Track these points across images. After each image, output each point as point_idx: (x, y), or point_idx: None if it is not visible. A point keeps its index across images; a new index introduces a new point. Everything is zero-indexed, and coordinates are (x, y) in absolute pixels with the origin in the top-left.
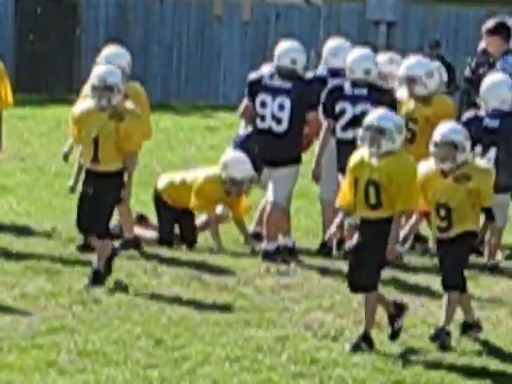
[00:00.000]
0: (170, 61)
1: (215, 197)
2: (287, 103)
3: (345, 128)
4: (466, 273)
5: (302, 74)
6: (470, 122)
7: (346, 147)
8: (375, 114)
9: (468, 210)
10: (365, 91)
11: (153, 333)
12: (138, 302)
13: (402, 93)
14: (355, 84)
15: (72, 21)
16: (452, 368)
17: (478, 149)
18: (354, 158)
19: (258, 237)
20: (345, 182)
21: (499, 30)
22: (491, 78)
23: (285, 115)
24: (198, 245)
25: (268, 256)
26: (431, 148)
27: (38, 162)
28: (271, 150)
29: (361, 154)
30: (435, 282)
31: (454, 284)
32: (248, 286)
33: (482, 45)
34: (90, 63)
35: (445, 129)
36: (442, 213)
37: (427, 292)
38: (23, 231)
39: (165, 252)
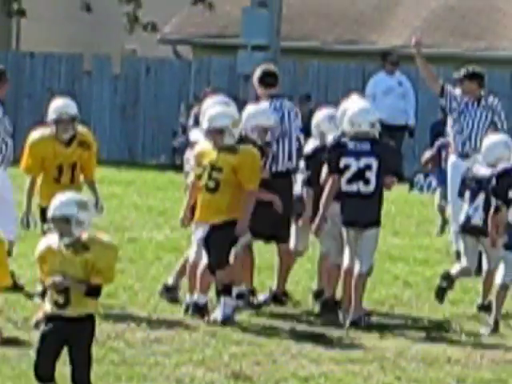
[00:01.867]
0: (41, 115)
1: (45, 153)
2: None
3: (349, 181)
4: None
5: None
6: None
7: (351, 200)
8: (57, 203)
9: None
10: (367, 146)
11: None
12: (10, 355)
13: (204, 144)
14: (357, 138)
15: None
16: None
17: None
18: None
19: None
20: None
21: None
22: (490, 138)
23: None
24: None
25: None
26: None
27: None
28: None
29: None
30: (305, 335)
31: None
32: (118, 340)
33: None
34: None
35: (57, 203)
36: (59, 287)
37: (298, 345)
38: None
39: (34, 304)
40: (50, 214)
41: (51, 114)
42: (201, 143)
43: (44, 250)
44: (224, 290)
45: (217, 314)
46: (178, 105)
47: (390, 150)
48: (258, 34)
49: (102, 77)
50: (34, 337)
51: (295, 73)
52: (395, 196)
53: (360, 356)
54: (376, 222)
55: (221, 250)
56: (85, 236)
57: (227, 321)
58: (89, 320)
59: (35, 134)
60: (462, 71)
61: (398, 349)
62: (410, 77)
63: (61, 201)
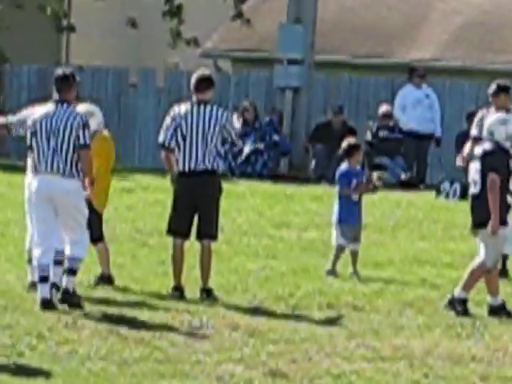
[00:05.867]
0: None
1: None
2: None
3: None
4: (368, 325)
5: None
6: None
7: None
8: None
9: None
10: None
11: None
12: (59, 354)
13: None
14: None
15: None
16: None
17: None
18: None
19: None
20: None
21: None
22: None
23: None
24: (116, 299)
25: None
26: None
27: None
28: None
29: None
30: (339, 334)
31: None
32: (162, 339)
33: (382, 109)
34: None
35: None
36: None
37: (331, 344)
38: None
39: (84, 306)
40: None
41: None
42: None
43: None
44: None
45: None
46: None
47: None
48: (293, 48)
49: (146, 89)
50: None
51: (328, 86)
52: (421, 202)
53: (389, 354)
54: None
55: None
56: None
57: None
58: None
59: None
60: (495, 85)
61: (425, 347)
62: (435, 89)
63: None
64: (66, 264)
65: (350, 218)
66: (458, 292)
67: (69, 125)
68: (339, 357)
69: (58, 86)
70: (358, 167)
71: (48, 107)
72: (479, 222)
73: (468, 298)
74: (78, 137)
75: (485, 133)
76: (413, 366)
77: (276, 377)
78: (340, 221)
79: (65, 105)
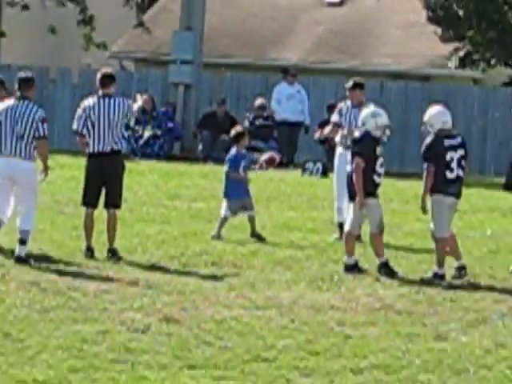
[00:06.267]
0: None
1: None
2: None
3: (451, 170)
4: (246, 280)
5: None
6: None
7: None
8: None
9: None
10: (459, 139)
11: (1, 328)
12: None
13: None
14: (449, 136)
15: None
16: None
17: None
18: None
19: None
20: None
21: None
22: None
23: None
24: (38, 258)
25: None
26: None
27: None
28: None
29: None
30: (221, 287)
31: None
32: (76, 291)
33: (258, 102)
34: None
35: None
36: None
37: (215, 294)
38: None
39: (11, 263)
40: None
41: None
42: None
43: None
44: None
45: None
46: None
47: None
48: (185, 51)
49: (63, 85)
50: None
51: (213, 82)
52: (290, 179)
53: (263, 304)
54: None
55: None
56: None
57: None
58: None
59: None
60: (352, 81)
61: (292, 298)
62: (302, 85)
63: None
64: (18, 235)
65: (236, 194)
66: (377, 260)
67: (30, 117)
68: (221, 306)
69: (20, 85)
70: (244, 151)
71: (11, 102)
72: (352, 195)
73: (386, 259)
74: (37, 129)
75: (359, 123)
76: (282, 314)
77: (169, 322)
78: (228, 197)
79: (26, 101)
